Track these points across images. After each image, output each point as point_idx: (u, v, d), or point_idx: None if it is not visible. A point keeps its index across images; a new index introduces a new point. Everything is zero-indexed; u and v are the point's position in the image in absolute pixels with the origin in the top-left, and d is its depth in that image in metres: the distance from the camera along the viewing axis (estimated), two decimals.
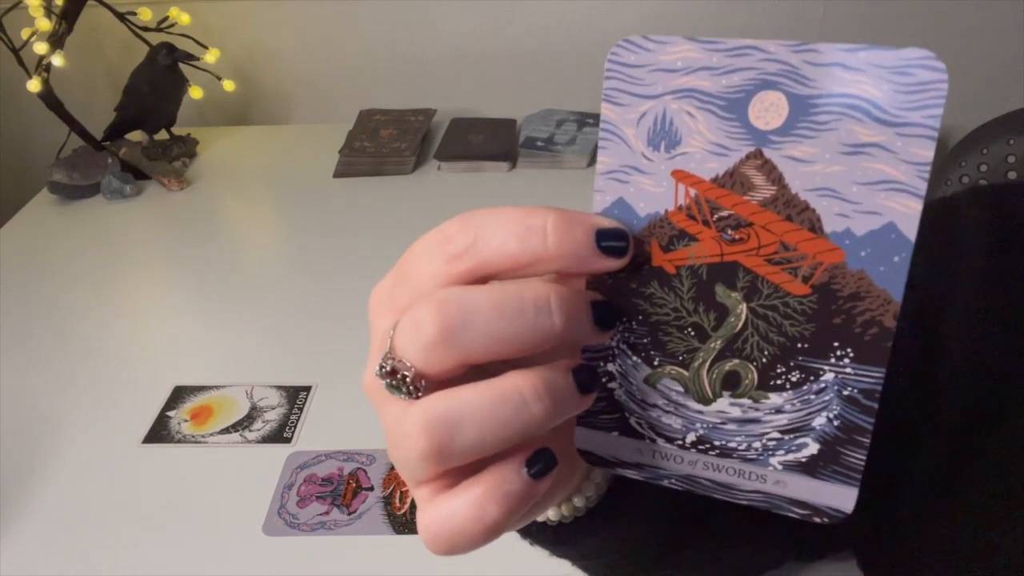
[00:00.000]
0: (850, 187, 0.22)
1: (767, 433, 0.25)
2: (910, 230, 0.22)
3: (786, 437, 0.25)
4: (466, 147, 1.31)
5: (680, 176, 0.24)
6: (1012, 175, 0.98)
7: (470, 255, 0.25)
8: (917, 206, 0.22)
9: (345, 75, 1.51)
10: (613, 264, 0.25)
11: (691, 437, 0.27)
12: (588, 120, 1.35)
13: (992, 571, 0.36)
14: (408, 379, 0.25)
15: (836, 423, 0.24)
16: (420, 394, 0.25)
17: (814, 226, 0.23)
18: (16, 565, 0.69)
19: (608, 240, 0.25)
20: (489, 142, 1.32)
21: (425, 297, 0.25)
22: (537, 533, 0.36)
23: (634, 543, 0.38)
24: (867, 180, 0.22)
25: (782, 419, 0.25)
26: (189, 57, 1.29)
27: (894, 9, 1.37)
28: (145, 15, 1.31)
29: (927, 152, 0.21)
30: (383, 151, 1.31)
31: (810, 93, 0.22)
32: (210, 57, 1.35)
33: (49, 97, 1.26)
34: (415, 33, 1.46)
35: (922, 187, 0.22)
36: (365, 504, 0.73)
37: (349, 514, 0.72)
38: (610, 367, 0.27)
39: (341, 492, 0.74)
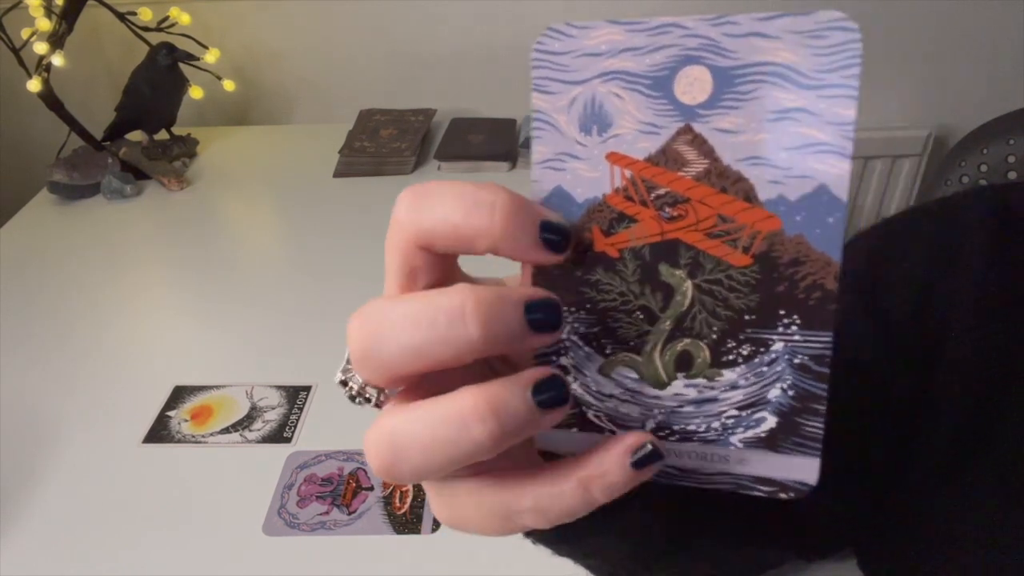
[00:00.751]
0: (779, 153, 0.23)
1: (724, 411, 0.25)
2: (841, 190, 0.22)
3: (743, 413, 0.25)
4: (466, 147, 1.31)
5: (615, 159, 0.24)
6: (1012, 175, 0.98)
7: (412, 221, 0.24)
8: (846, 166, 0.22)
9: (345, 75, 1.51)
10: (550, 258, 0.24)
11: (650, 424, 0.26)
12: None
13: (993, 571, 0.36)
14: (356, 390, 0.25)
15: (791, 393, 0.24)
16: (382, 399, 0.25)
17: (749, 196, 0.23)
18: (16, 565, 0.69)
19: (548, 232, 0.24)
20: (489, 142, 1.32)
21: (357, 310, 0.24)
22: (539, 532, 0.36)
23: (636, 542, 0.38)
24: (794, 145, 0.22)
25: (738, 395, 0.25)
26: (189, 57, 1.29)
27: (892, 9, 1.37)
28: (145, 15, 1.31)
29: (850, 111, 0.22)
30: (383, 151, 1.31)
31: (732, 64, 0.22)
32: (210, 57, 1.35)
33: (49, 97, 1.26)
34: (415, 33, 1.46)
35: (848, 147, 0.22)
36: (365, 504, 0.73)
37: (349, 514, 0.72)
38: (563, 361, 0.27)
39: (341, 492, 0.74)
